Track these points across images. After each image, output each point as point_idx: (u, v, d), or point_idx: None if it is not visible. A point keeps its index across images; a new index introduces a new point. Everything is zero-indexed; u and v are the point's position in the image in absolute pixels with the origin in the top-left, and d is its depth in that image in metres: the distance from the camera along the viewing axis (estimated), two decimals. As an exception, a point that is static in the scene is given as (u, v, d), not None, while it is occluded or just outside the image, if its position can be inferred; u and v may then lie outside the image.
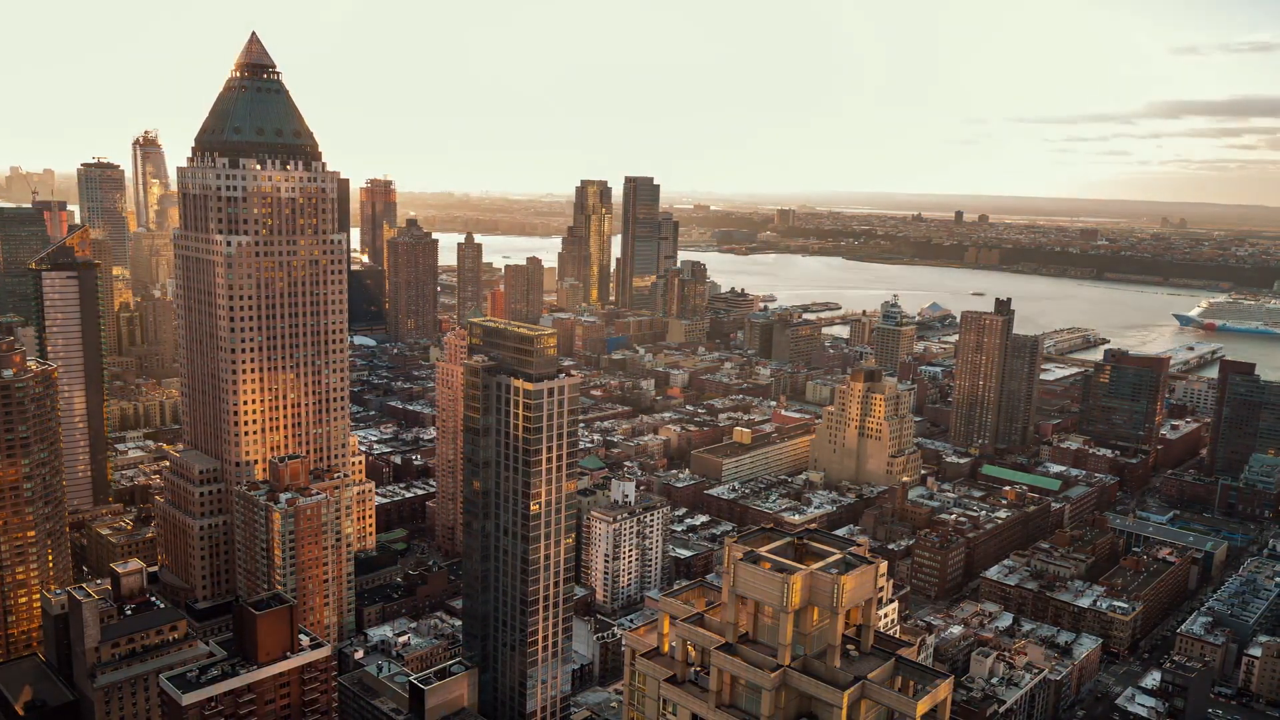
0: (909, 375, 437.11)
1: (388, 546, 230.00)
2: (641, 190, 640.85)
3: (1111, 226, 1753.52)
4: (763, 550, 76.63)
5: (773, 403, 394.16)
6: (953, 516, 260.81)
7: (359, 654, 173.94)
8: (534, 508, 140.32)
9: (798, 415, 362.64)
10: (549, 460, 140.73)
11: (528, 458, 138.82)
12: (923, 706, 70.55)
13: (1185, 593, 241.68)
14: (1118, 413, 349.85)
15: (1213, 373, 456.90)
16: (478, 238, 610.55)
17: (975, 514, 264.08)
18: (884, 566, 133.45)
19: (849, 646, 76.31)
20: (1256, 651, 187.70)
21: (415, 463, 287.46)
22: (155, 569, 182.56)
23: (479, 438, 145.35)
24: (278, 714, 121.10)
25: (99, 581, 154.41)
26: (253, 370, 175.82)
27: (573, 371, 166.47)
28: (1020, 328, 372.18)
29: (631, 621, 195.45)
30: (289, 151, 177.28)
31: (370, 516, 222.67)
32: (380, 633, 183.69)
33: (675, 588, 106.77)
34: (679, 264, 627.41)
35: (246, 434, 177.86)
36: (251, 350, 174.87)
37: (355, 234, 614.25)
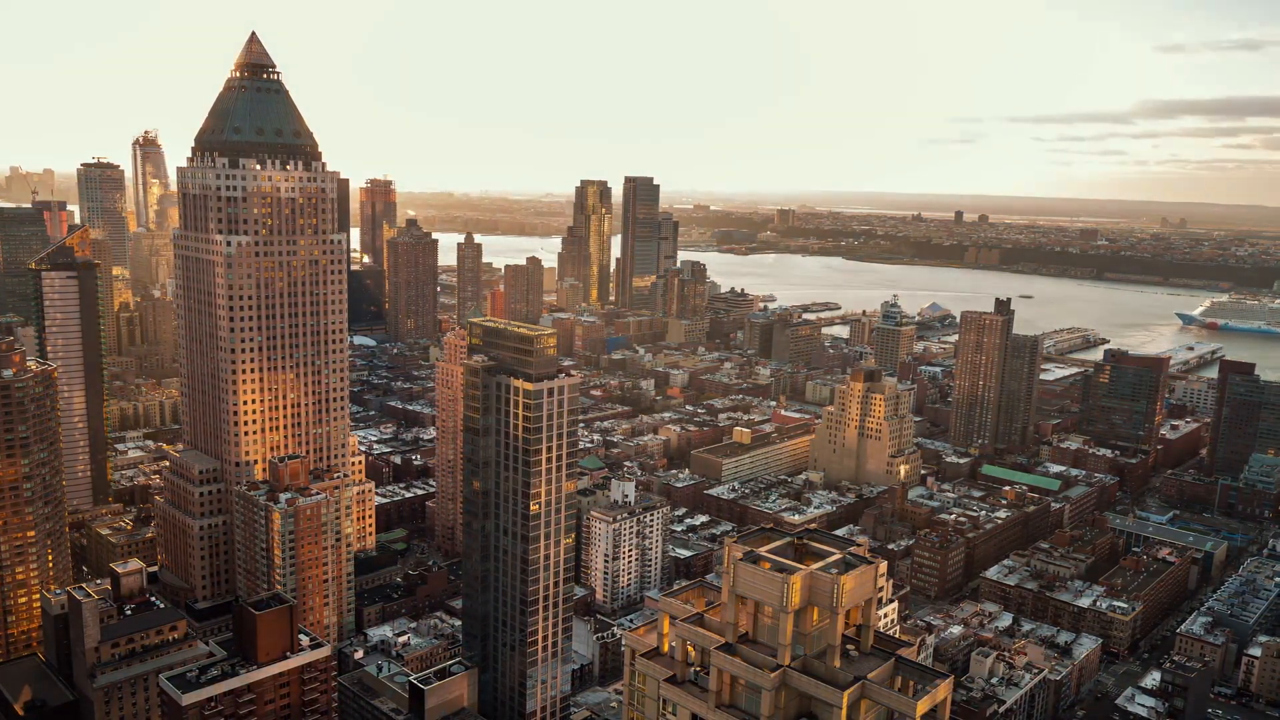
0: (909, 375, 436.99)
1: (387, 546, 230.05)
2: (641, 190, 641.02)
3: (1111, 226, 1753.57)
4: (763, 550, 76.62)
5: (772, 403, 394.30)
6: (952, 516, 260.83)
7: (359, 654, 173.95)
8: (534, 508, 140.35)
9: (797, 415, 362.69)
10: (549, 460, 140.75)
11: (527, 458, 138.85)
12: (922, 706, 70.51)
13: (1185, 593, 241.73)
14: (1118, 413, 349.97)
15: (1213, 373, 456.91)
16: (477, 238, 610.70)
17: (975, 514, 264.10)
18: (884, 566, 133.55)
19: (849, 646, 76.29)
20: (1256, 651, 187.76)
21: (415, 463, 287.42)
22: (155, 569, 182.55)
23: (479, 438, 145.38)
24: (277, 714, 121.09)
25: (99, 581, 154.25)
26: (252, 370, 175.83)
27: (572, 371, 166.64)
28: (1023, 329, 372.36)
29: (631, 621, 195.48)
30: (289, 151, 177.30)
31: (370, 516, 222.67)
32: (380, 633, 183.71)
33: (675, 588, 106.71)
34: (679, 264, 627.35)
35: (246, 434, 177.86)
36: (251, 350, 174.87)
37: (355, 234, 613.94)
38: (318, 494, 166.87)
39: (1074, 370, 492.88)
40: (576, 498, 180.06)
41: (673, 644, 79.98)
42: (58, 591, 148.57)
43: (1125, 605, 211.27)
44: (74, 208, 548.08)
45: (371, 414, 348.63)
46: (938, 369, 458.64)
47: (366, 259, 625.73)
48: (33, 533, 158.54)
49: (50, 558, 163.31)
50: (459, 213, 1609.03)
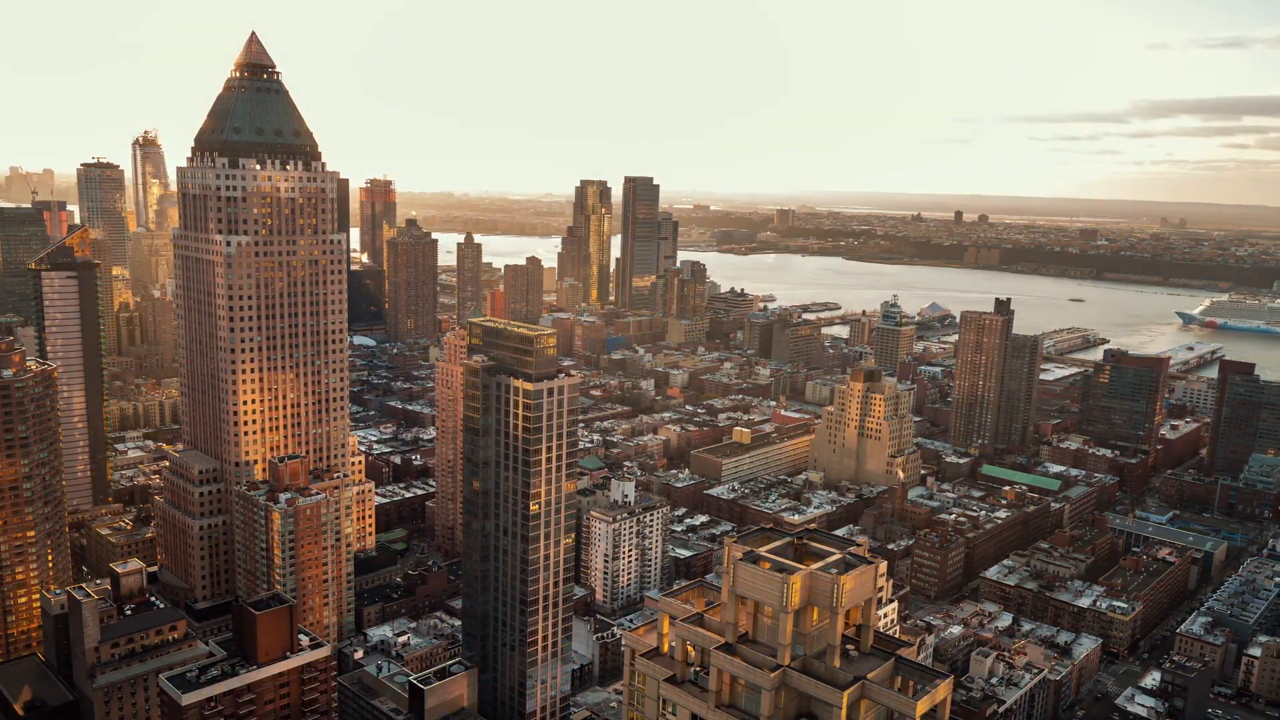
0: (909, 375, 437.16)
1: (387, 546, 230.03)
2: (641, 190, 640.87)
3: (1111, 227, 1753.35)
4: (762, 550, 76.66)
5: (772, 403, 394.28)
6: (952, 516, 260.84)
7: (359, 654, 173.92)
8: (533, 508, 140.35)
9: (797, 415, 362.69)
10: (549, 460, 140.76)
11: (527, 458, 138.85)
12: (922, 706, 70.57)
13: (1185, 593, 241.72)
14: (1117, 413, 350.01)
15: (1212, 373, 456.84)
16: (477, 238, 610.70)
17: (975, 514, 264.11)
18: (883, 566, 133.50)
19: (849, 646, 76.32)
20: (1256, 651, 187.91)
21: (415, 463, 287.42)
22: (155, 569, 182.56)
23: (479, 438, 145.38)
24: (277, 714, 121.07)
25: (99, 581, 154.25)
26: (252, 370, 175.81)
27: (572, 371, 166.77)
28: (1019, 330, 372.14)
29: (631, 621, 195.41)
30: (289, 151, 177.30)
31: (370, 516, 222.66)
32: (380, 633, 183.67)
33: (675, 588, 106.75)
34: (679, 264, 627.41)
35: (246, 434, 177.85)
36: (251, 350, 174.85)
37: (355, 234, 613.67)
38: (317, 494, 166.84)
39: (1074, 370, 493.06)
40: (576, 498, 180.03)
41: (673, 644, 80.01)
42: (57, 591, 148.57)
43: (1125, 605, 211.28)
44: (74, 208, 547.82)
45: (371, 414, 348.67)
46: (938, 369, 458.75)
47: (366, 259, 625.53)
48: (33, 533, 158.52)
49: (50, 558, 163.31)
50: (459, 213, 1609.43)
